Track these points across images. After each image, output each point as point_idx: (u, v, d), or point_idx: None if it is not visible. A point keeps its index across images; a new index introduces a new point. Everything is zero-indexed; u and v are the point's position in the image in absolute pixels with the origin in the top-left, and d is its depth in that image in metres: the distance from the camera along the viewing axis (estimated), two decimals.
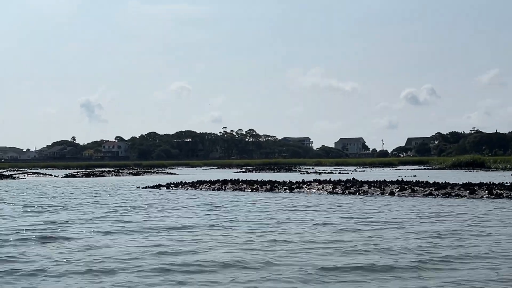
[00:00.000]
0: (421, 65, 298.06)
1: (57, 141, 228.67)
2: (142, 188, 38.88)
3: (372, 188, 29.69)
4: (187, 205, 24.08)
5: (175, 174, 79.09)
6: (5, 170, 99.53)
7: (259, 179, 38.20)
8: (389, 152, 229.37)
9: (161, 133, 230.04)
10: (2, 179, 60.51)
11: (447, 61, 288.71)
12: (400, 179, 35.05)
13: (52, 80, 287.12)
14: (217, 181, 37.47)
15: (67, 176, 69.76)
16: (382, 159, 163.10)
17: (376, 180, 32.80)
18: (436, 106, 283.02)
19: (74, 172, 78.35)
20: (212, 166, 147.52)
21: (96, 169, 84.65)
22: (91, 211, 21.88)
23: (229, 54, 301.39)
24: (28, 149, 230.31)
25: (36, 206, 24.54)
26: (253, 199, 27.12)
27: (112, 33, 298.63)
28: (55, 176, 73.27)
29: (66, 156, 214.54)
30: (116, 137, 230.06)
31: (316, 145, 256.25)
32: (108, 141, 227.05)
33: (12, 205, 25.53)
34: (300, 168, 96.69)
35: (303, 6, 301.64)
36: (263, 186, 33.91)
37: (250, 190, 33.37)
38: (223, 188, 35.10)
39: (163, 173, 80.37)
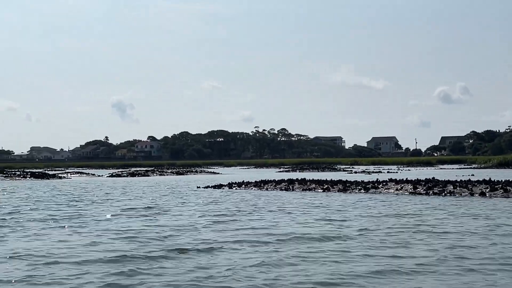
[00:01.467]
0: (454, 63, 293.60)
1: (90, 141, 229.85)
2: (203, 188, 37.61)
3: (458, 188, 27.93)
4: (296, 206, 22.44)
5: (218, 173, 77.90)
6: (44, 169, 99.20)
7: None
8: (423, 151, 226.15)
9: (193, 133, 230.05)
10: (48, 179, 59.87)
11: (480, 58, 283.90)
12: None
13: (84, 80, 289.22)
14: (282, 180, 36.02)
15: (112, 175, 69.00)
16: (419, 158, 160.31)
17: (461, 180, 30.99)
18: (470, 104, 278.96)
19: (118, 171, 77.57)
20: (246, 165, 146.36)
21: (139, 169, 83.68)
22: (201, 213, 19.96)
23: (259, 52, 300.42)
24: (61, 149, 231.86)
25: (138, 209, 22.52)
26: (348, 199, 25.61)
27: (143, 32, 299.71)
28: (99, 175, 72.54)
29: (99, 155, 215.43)
30: (149, 136, 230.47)
31: (348, 144, 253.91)
32: (140, 140, 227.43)
33: (105, 207, 23.68)
34: (342, 168, 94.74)
35: (333, 2, 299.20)
36: (334, 186, 32.36)
37: (321, 190, 31.84)
38: (291, 188, 33.64)
39: (206, 172, 79.22)
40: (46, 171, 75.07)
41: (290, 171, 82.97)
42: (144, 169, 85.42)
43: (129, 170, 78.60)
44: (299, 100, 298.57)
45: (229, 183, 37.92)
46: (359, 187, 31.23)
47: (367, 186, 31.15)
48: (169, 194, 31.46)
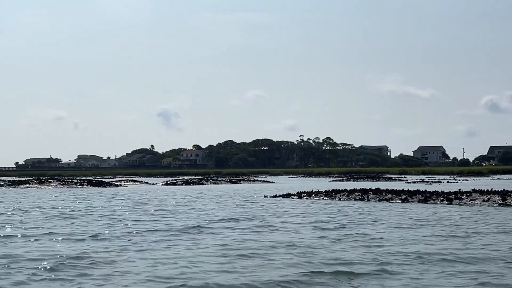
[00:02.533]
0: (501, 71, 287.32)
1: (136, 149, 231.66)
2: (270, 197, 36.63)
3: None
4: (401, 218, 21.09)
5: (271, 182, 76.95)
6: (93, 177, 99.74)
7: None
8: (471, 160, 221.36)
9: (237, 141, 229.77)
10: (105, 187, 59.72)
11: None
12: None
13: (130, 89, 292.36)
14: (355, 190, 34.74)
15: (167, 184, 68.65)
16: (470, 168, 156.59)
17: None
18: None
19: (172, 179, 77.30)
20: (292, 174, 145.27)
21: (193, 177, 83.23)
22: (312, 227, 18.37)
23: (303, 61, 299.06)
24: (108, 157, 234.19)
25: (241, 219, 21.31)
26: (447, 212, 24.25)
27: (188, 42, 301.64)
28: (153, 183, 72.33)
29: (146, 164, 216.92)
30: (194, 145, 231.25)
31: (393, 154, 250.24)
32: (186, 149, 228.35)
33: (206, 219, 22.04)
34: (395, 177, 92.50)
35: (379, 11, 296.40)
36: (413, 197, 30.95)
37: (399, 201, 30.49)
38: (366, 198, 32.36)
39: (258, 181, 78.38)
40: (101, 179, 75.09)
41: (344, 180, 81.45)
42: (198, 177, 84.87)
43: (183, 179, 78.18)
44: (345, 109, 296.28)
45: (297, 193, 36.86)
46: (441, 198, 29.79)
47: (450, 197, 29.67)
48: (248, 203, 30.34)
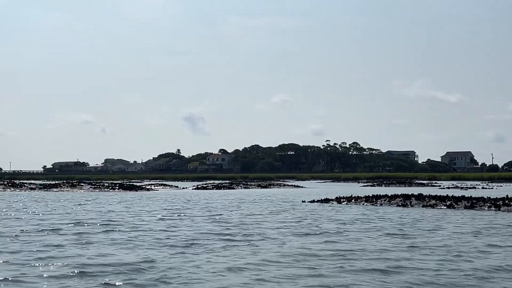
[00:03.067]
0: None
1: (163, 154, 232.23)
2: (308, 202, 35.95)
3: None
4: (468, 225, 20.21)
5: (302, 187, 76.23)
6: (122, 181, 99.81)
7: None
8: (499, 166, 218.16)
9: (263, 146, 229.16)
10: (137, 191, 59.52)
11: None
12: None
13: (156, 93, 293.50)
14: (396, 195, 33.88)
15: (197, 188, 68.28)
16: (499, 174, 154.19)
17: None
18: None
19: (202, 184, 76.89)
20: (319, 179, 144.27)
21: (224, 182, 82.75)
22: (384, 235, 17.59)
23: (330, 66, 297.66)
24: (135, 161, 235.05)
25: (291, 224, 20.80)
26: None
27: (214, 47, 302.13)
28: (183, 188, 72.06)
29: (172, 168, 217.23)
30: (220, 149, 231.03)
31: (421, 159, 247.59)
32: (212, 153, 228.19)
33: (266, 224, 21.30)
34: (427, 183, 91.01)
35: (407, 16, 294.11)
36: (459, 203, 30.01)
37: (444, 207, 29.59)
38: (408, 204, 31.49)
39: (289, 186, 77.62)
40: (132, 183, 74.94)
41: (375, 186, 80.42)
42: (227, 182, 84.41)
43: (213, 183, 77.83)
44: (371, 113, 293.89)
45: (336, 198, 36.11)
46: (488, 204, 28.83)
47: (497, 203, 28.71)
48: (292, 209, 29.44)
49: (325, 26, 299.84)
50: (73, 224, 20.68)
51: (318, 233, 17.99)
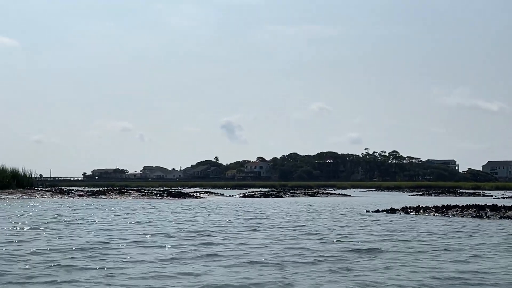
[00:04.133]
0: None
1: (201, 161, 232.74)
2: (372, 211, 34.65)
3: None
4: None
5: (349, 195, 74.81)
6: (169, 189, 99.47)
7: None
8: None
9: (302, 154, 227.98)
10: (185, 198, 58.94)
11: None
12: None
13: (194, 101, 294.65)
14: (467, 206, 32.42)
15: (245, 196, 67.46)
16: None
17: None
18: None
19: (250, 192, 76.06)
20: (360, 188, 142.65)
21: (270, 190, 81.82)
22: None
23: (367, 73, 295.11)
24: (173, 169, 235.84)
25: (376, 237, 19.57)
26: None
27: (250, 55, 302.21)
28: (229, 195, 71.30)
29: (210, 175, 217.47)
30: (258, 157, 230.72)
31: (461, 168, 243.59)
32: (250, 161, 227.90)
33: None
34: (482, 193, 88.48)
35: (447, 25, 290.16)
36: None
37: None
38: (484, 215, 29.99)
39: (336, 194, 76.33)
40: (180, 191, 74.49)
41: (424, 195, 78.64)
42: (276, 190, 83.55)
43: (260, 191, 76.99)
44: (410, 121, 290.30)
45: (403, 208, 34.71)
46: None
47: None
48: (370, 221, 28.11)
49: (361, 34, 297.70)
50: (195, 233, 19.69)
51: (439, 249, 16.06)
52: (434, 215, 31.62)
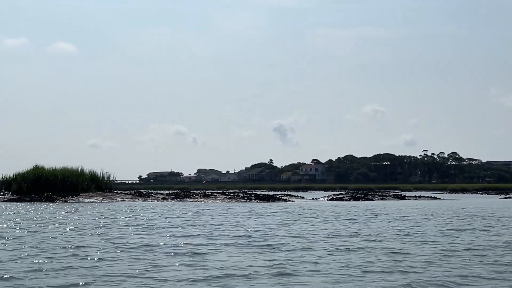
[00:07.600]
0: None
1: (256, 164, 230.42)
2: None
3: None
4: None
5: (439, 199, 70.92)
6: (254, 192, 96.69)
7: None
8: None
9: (357, 156, 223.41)
10: (274, 201, 56.11)
11: None
12: None
13: (246, 104, 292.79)
14: None
15: (332, 199, 64.34)
16: None
17: None
18: None
19: (337, 194, 72.63)
20: (423, 190, 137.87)
21: (357, 192, 78.15)
22: None
23: (422, 75, 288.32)
24: (227, 171, 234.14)
25: None
26: None
27: (303, 58, 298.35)
28: (312, 198, 68.31)
29: (264, 178, 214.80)
30: (313, 160, 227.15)
31: None
32: (304, 163, 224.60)
33: None
34: None
35: (505, 25, 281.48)
36: None
37: None
38: None
39: (425, 197, 72.38)
40: (269, 194, 71.67)
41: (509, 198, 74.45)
42: (365, 192, 79.91)
43: (346, 193, 73.68)
44: (467, 123, 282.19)
45: None
46: None
47: None
48: None
49: (415, 35, 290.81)
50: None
51: None
52: None
